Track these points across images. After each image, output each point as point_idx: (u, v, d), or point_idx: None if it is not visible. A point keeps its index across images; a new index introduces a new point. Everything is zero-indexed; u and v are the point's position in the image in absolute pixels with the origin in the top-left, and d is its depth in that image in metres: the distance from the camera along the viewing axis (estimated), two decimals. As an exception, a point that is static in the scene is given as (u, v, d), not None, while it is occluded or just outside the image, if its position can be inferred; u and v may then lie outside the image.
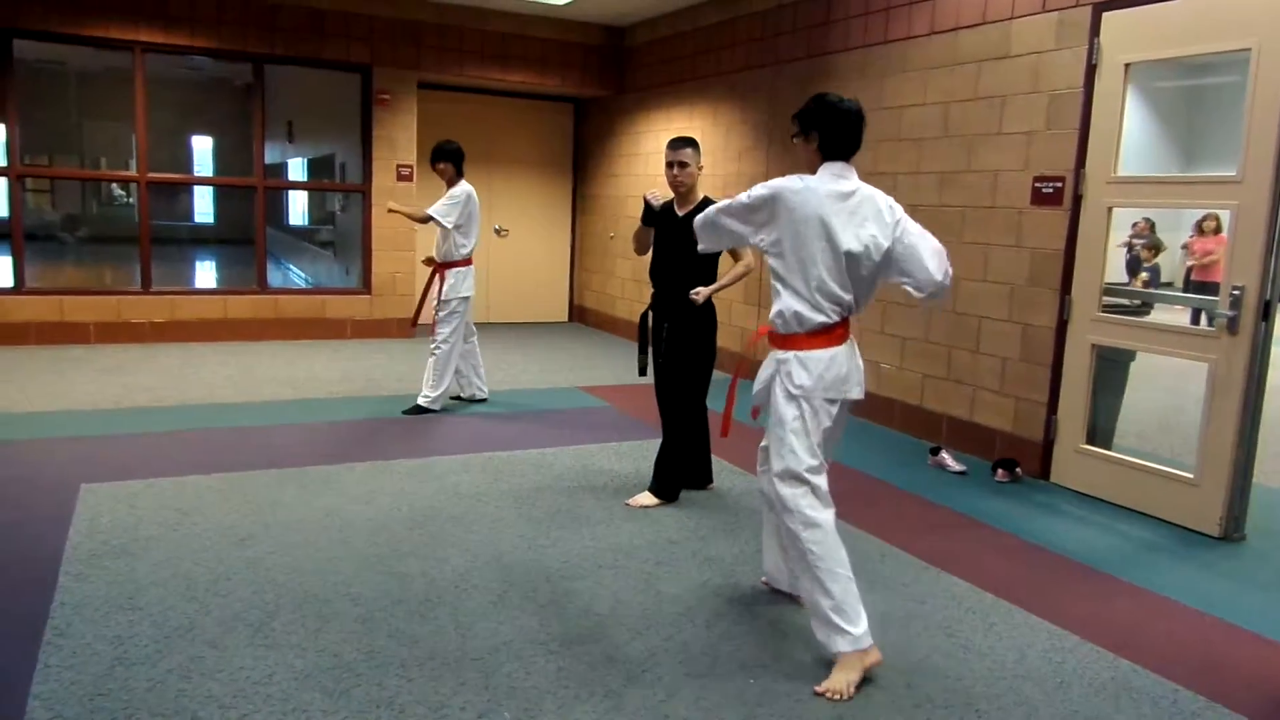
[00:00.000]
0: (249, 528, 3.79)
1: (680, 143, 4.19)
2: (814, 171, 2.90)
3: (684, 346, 4.25)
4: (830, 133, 2.87)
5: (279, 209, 16.15)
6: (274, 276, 9.90)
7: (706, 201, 4.13)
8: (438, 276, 5.94)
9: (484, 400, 6.30)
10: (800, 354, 2.85)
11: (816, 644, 2.84)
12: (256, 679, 2.62)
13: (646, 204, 4.20)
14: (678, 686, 2.68)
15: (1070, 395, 4.81)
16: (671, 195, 4.30)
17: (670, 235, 4.25)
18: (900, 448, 5.56)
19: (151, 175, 8.12)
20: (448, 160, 5.85)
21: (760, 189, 2.91)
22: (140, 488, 4.21)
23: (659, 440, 4.42)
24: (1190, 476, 4.24)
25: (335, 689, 2.59)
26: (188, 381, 6.50)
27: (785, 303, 2.86)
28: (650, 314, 4.38)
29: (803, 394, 2.83)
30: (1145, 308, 5.40)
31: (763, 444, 3.05)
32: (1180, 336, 4.49)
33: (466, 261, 5.94)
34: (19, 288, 7.67)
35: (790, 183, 2.86)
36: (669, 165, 4.19)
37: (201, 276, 15.07)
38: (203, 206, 21.09)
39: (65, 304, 7.69)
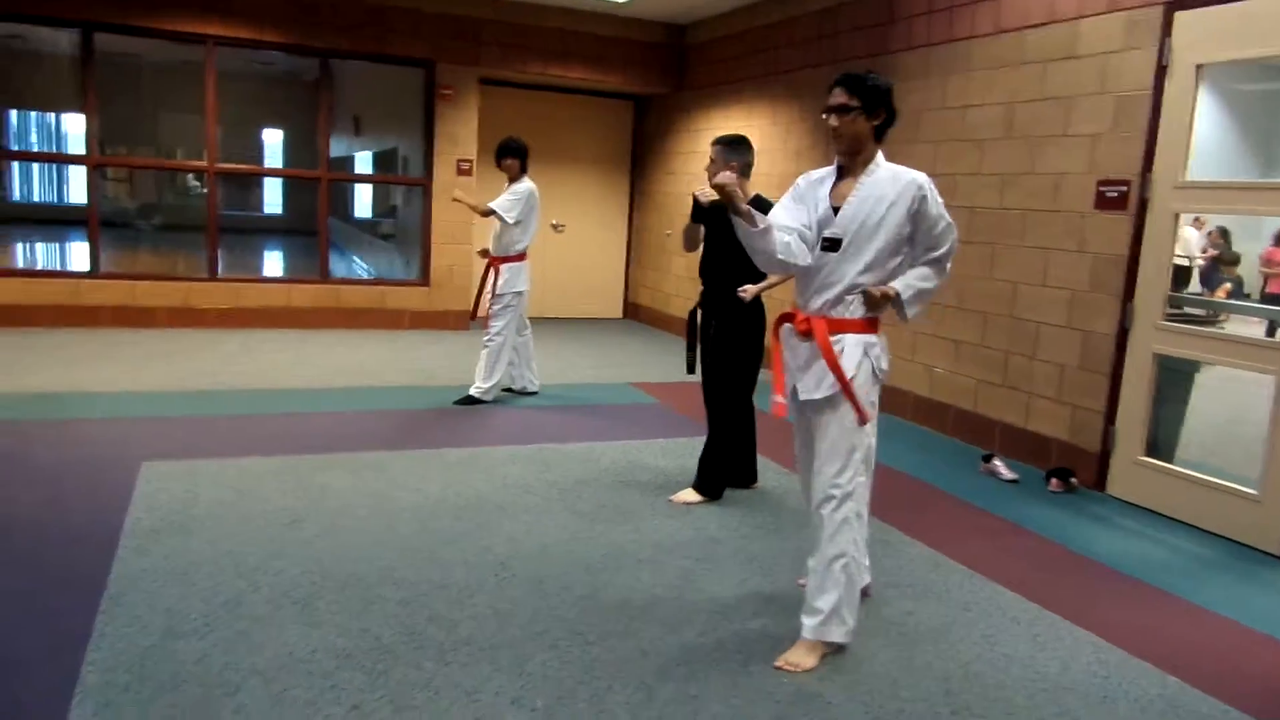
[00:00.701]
0: (300, 509, 3.88)
1: (720, 141, 4.16)
2: (858, 146, 2.85)
3: (731, 344, 4.24)
4: (891, 118, 2.87)
5: (344, 201, 16.47)
6: (338, 267, 10.12)
7: (758, 199, 4.11)
8: (492, 270, 6.01)
9: (535, 393, 6.35)
10: (881, 339, 2.92)
11: (796, 625, 2.83)
12: (300, 656, 2.69)
13: (696, 201, 4.20)
14: (710, 682, 2.68)
15: (1130, 405, 4.67)
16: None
17: (719, 232, 4.24)
18: (951, 453, 5.46)
19: (220, 166, 8.38)
20: (515, 156, 5.94)
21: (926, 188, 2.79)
22: (199, 467, 4.35)
23: (705, 437, 4.42)
24: (1253, 492, 4.09)
25: (374, 669, 2.64)
26: (249, 367, 6.68)
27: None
28: (699, 311, 4.37)
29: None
30: (1214, 318, 5.21)
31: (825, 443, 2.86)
32: (1246, 347, 4.33)
33: (521, 257, 6.00)
34: (94, 272, 7.97)
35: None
36: (711, 162, 4.18)
37: (269, 265, 15.46)
38: (273, 198, 21.63)
39: (137, 289, 7.97)
